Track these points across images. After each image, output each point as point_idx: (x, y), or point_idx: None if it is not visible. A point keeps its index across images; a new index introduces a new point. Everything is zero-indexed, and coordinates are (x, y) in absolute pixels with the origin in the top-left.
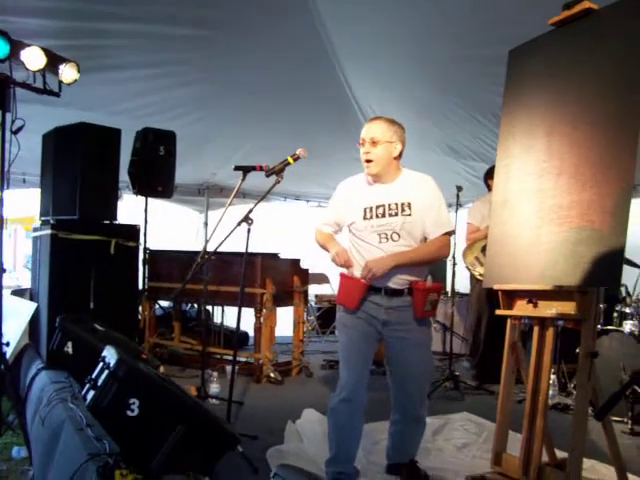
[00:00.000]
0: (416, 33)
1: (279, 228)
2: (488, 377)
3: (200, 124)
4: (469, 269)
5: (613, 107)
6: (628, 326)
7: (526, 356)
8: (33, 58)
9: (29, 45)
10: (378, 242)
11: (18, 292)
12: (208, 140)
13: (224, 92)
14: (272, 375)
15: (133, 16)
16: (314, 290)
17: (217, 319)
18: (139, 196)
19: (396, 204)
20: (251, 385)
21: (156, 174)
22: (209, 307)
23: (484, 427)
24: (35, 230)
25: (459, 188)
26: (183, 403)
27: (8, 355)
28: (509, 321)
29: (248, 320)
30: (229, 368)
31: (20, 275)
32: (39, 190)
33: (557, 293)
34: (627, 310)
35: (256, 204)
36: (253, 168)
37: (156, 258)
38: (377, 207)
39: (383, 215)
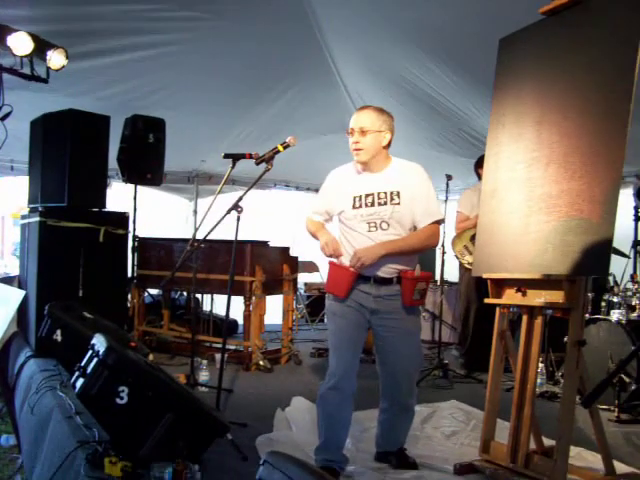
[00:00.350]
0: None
1: (269, 215)
2: (477, 365)
3: (188, 110)
4: (458, 258)
5: (603, 96)
6: (616, 315)
7: (514, 345)
8: (20, 43)
9: (16, 30)
10: (367, 231)
11: (6, 280)
12: (198, 126)
13: (211, 78)
14: (261, 363)
15: None
16: (303, 278)
17: (206, 307)
18: (128, 184)
19: (385, 193)
20: (240, 373)
21: (145, 161)
22: (198, 295)
23: (472, 415)
24: (23, 217)
25: (449, 177)
26: (172, 391)
27: None
28: (498, 310)
29: (237, 308)
30: (218, 356)
31: (8, 262)
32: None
33: (546, 282)
34: (615, 299)
35: (245, 192)
36: (242, 156)
37: (145, 246)
38: (366, 196)
39: (372, 204)
